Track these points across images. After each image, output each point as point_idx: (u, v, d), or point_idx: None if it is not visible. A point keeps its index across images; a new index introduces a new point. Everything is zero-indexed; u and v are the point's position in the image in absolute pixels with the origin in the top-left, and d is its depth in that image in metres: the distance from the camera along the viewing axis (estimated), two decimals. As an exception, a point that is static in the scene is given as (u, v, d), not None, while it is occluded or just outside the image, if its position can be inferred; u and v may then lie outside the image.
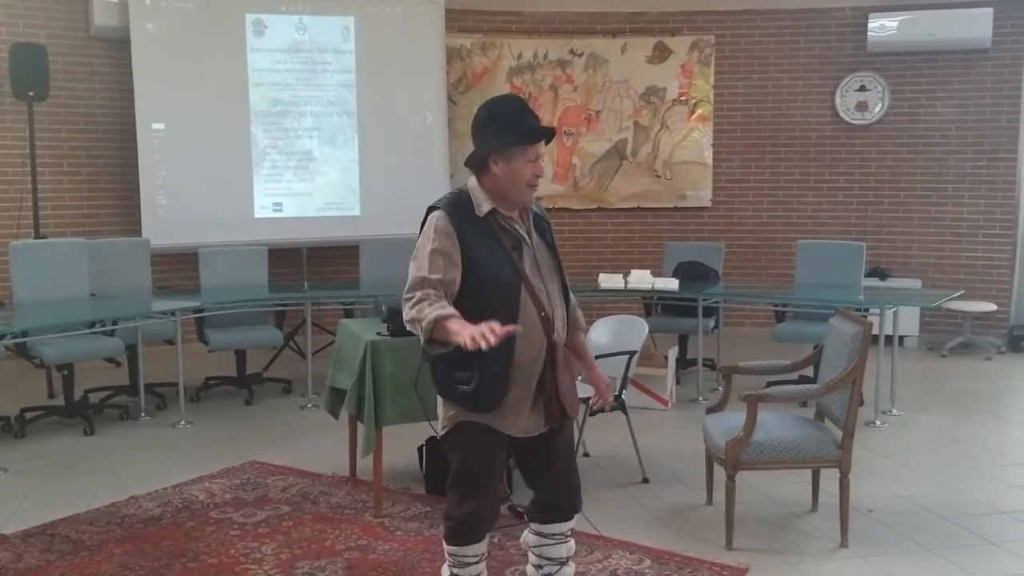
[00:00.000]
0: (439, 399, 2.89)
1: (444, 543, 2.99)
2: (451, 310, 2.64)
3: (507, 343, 2.65)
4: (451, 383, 2.77)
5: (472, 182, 2.86)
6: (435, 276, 2.70)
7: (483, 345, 2.47)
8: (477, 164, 2.82)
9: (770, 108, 8.79)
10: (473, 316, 2.65)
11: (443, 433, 2.90)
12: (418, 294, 2.69)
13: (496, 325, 2.50)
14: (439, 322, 2.61)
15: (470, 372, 2.73)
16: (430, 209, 2.83)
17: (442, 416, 2.89)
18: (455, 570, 2.97)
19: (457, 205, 2.80)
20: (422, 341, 2.69)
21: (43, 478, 4.83)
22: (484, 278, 2.74)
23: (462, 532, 2.92)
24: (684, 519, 4.26)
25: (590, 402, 3.20)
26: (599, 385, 3.13)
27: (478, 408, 2.76)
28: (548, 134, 2.85)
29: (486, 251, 2.76)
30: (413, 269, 2.75)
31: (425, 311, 2.64)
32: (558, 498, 3.01)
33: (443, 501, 4.28)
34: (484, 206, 2.80)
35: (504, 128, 2.77)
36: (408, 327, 2.73)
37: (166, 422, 5.88)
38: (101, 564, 3.71)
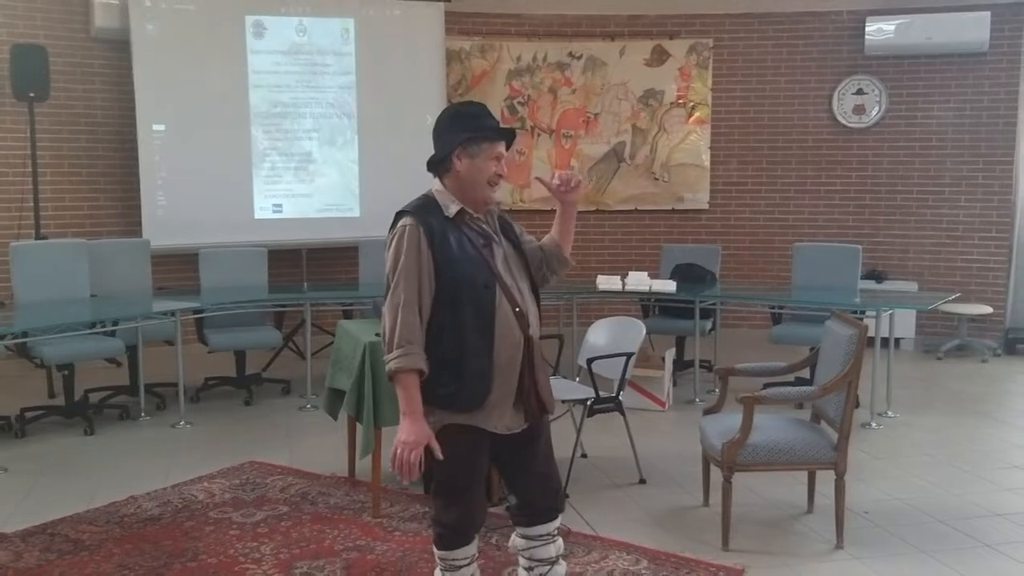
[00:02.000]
0: None
1: (434, 548, 3.00)
2: (418, 364, 2.70)
3: (486, 342, 2.73)
4: (432, 387, 2.77)
5: (436, 185, 2.90)
6: (412, 323, 2.71)
7: (398, 474, 2.70)
8: (440, 162, 2.86)
9: (767, 111, 8.82)
10: (451, 317, 2.73)
11: None
12: (404, 348, 2.71)
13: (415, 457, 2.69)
14: (401, 374, 2.70)
15: (451, 374, 2.75)
16: (399, 215, 2.87)
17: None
18: (447, 574, 2.98)
19: (426, 209, 2.84)
20: (386, 374, 2.76)
21: (43, 478, 4.85)
22: (460, 278, 2.76)
23: (451, 537, 2.93)
24: (681, 520, 4.28)
25: (556, 182, 3.02)
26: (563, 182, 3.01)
27: (463, 407, 2.77)
28: (509, 135, 2.91)
29: (459, 251, 2.79)
30: (393, 300, 2.75)
31: (402, 361, 2.69)
32: (540, 500, 3.02)
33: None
34: (452, 207, 2.84)
35: (468, 127, 2.83)
36: (384, 347, 2.77)
37: (166, 422, 5.90)
38: (100, 563, 3.73)
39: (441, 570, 3.00)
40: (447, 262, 2.76)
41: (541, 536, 3.05)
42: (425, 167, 2.94)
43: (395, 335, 2.71)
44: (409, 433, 2.69)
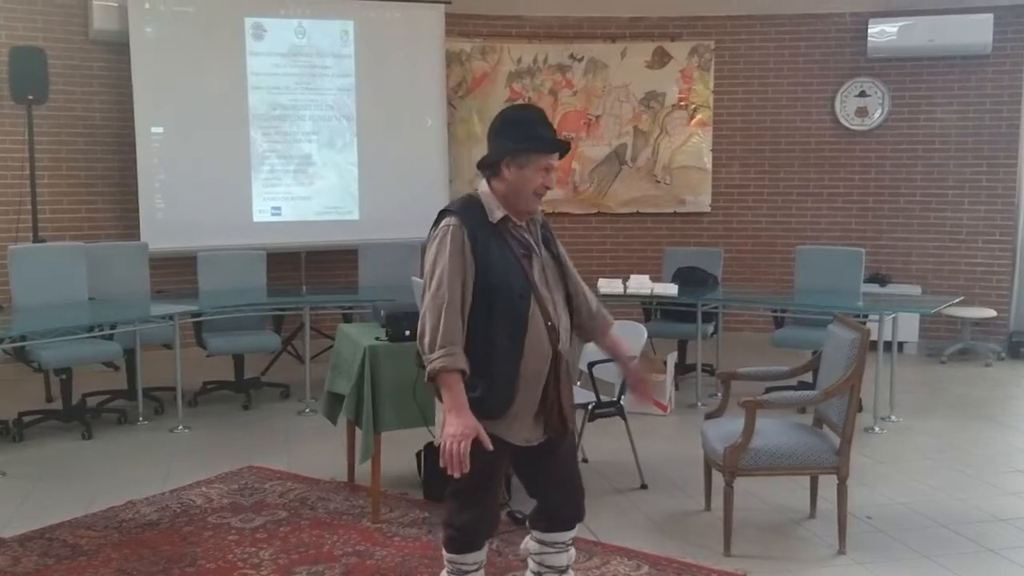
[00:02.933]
0: (439, 405, 2.86)
1: (443, 550, 2.98)
2: (461, 365, 2.69)
3: (515, 351, 2.72)
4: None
5: (483, 187, 2.87)
6: (455, 323, 2.70)
7: (450, 469, 2.67)
8: (489, 166, 2.84)
9: (770, 113, 8.80)
10: (483, 323, 2.71)
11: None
12: (446, 348, 2.69)
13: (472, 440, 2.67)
14: (444, 373, 2.68)
15: (478, 379, 2.73)
16: (443, 213, 2.84)
17: (442, 423, 2.87)
18: None
19: (470, 210, 2.81)
20: (427, 373, 2.73)
21: (41, 482, 4.82)
22: (496, 285, 2.74)
23: (461, 540, 2.92)
24: (682, 525, 4.25)
25: (625, 397, 3.15)
26: (636, 382, 3.13)
27: (485, 414, 2.75)
28: (562, 147, 2.87)
29: (499, 258, 2.77)
30: (436, 300, 2.71)
31: (446, 361, 2.68)
32: (562, 507, 3.01)
33: (441, 507, 4.30)
34: (497, 212, 2.82)
35: (520, 135, 2.79)
36: (424, 347, 2.74)
37: (164, 426, 5.87)
38: (99, 568, 3.70)
39: (448, 573, 2.99)
40: (486, 268, 2.74)
41: (556, 543, 3.05)
42: (462, 169, 2.94)
43: (438, 335, 2.69)
44: (456, 426, 2.67)
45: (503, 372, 2.74)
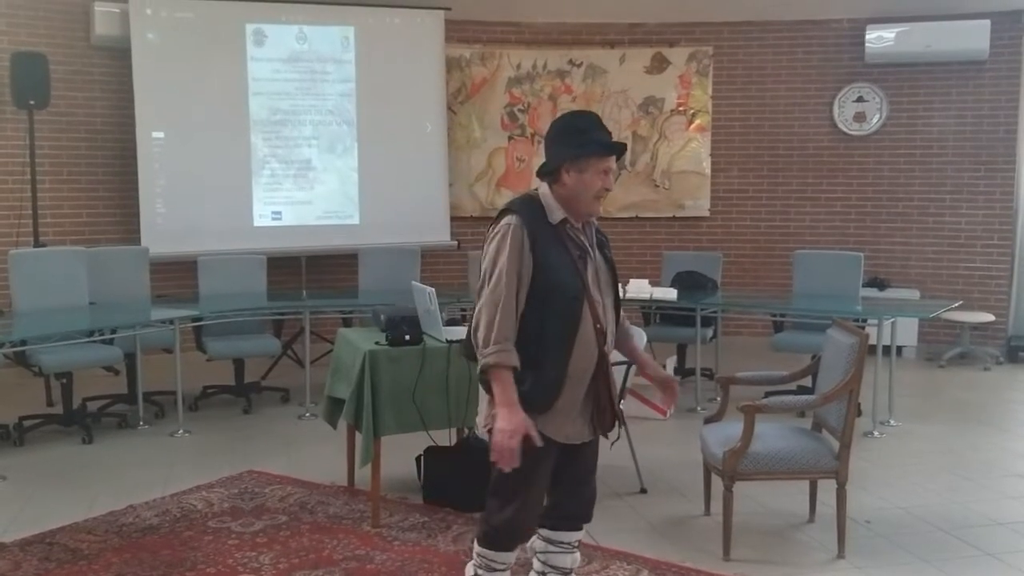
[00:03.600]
0: (485, 399, 2.88)
1: (475, 543, 3.01)
2: (514, 362, 2.74)
3: (564, 350, 2.78)
4: None
5: (543, 189, 2.91)
6: (509, 320, 2.75)
7: (500, 463, 2.72)
8: (549, 173, 2.89)
9: (768, 119, 8.82)
10: (536, 321, 2.77)
11: (487, 430, 2.88)
12: (501, 344, 2.74)
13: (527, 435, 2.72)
14: (496, 369, 2.73)
15: (526, 372, 2.77)
16: (504, 212, 2.88)
17: (487, 414, 2.88)
18: (480, 571, 3.00)
19: (531, 210, 2.86)
20: (479, 366, 2.79)
21: (41, 486, 4.83)
22: (552, 285, 2.79)
23: (497, 538, 2.94)
24: (682, 529, 4.26)
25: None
26: (666, 384, 3.15)
27: (531, 408, 2.78)
28: (620, 149, 2.92)
29: (556, 258, 2.82)
30: (493, 297, 2.76)
31: (499, 357, 2.73)
32: (572, 506, 3.04)
33: (441, 511, 4.34)
34: (557, 214, 2.86)
35: (579, 140, 2.85)
36: (478, 341, 2.79)
37: (164, 431, 5.87)
38: (99, 573, 3.71)
39: (475, 566, 3.01)
40: (543, 268, 2.79)
41: (563, 543, 3.07)
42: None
43: (492, 331, 2.74)
44: (508, 421, 2.71)
45: (550, 369, 2.79)
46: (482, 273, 2.84)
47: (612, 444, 3.14)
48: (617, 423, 3.01)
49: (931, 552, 3.96)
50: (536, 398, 2.79)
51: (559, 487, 3.02)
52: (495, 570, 2.98)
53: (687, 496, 4.60)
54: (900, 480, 4.94)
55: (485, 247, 2.86)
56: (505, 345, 2.74)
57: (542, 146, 3.03)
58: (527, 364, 2.77)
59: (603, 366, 2.89)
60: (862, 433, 5.67)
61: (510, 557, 2.99)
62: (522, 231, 2.79)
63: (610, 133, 2.95)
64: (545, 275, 2.79)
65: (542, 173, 2.92)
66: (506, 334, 2.74)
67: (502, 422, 2.72)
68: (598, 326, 2.86)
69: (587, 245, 2.92)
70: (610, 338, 2.93)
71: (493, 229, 2.87)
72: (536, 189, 2.94)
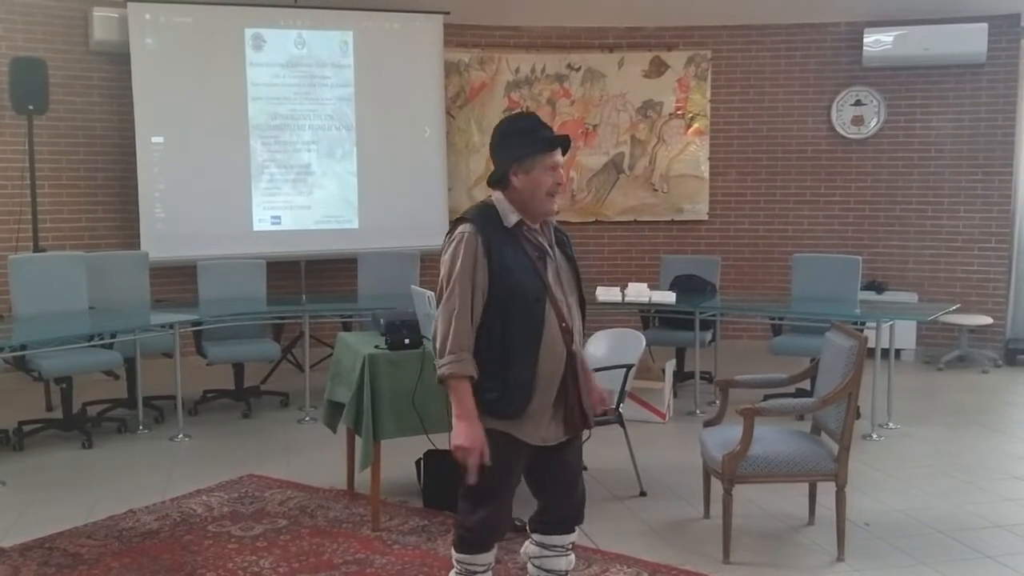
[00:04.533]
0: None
1: (453, 550, 3.01)
2: (470, 371, 2.76)
3: (531, 353, 2.79)
4: (477, 392, 2.80)
5: (497, 195, 2.92)
6: (464, 329, 2.76)
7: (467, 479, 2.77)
8: (498, 180, 2.90)
9: (766, 122, 8.83)
10: (499, 326, 2.77)
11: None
12: (456, 354, 2.76)
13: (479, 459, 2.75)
14: (453, 379, 2.76)
15: (495, 380, 2.78)
16: (458, 221, 2.89)
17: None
18: None
19: (485, 217, 2.87)
20: (437, 377, 2.82)
21: (41, 491, 4.83)
22: (512, 289, 2.80)
23: (472, 540, 2.94)
24: (681, 533, 4.26)
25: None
26: (593, 396, 3.14)
27: (503, 414, 2.80)
28: (564, 142, 2.92)
29: (514, 261, 2.82)
30: (448, 307, 2.78)
31: (454, 367, 2.76)
32: (562, 509, 3.04)
33: (441, 515, 4.33)
34: (511, 217, 2.87)
35: (521, 141, 2.86)
36: (436, 352, 2.82)
37: (164, 435, 5.88)
38: (99, 578, 3.72)
39: (457, 573, 3.01)
40: (501, 272, 2.80)
41: (555, 547, 3.07)
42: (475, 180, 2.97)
43: (448, 341, 2.76)
44: (465, 437, 2.74)
45: (519, 373, 2.79)
46: (439, 283, 2.86)
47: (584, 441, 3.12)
48: (587, 423, 2.98)
49: (930, 554, 3.96)
50: (508, 405, 2.80)
51: (546, 491, 3.03)
52: (476, 573, 2.98)
53: (687, 499, 4.61)
54: (899, 483, 4.94)
55: (441, 257, 2.87)
56: (460, 355, 2.75)
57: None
58: (496, 370, 2.78)
59: (572, 365, 2.89)
60: (861, 436, 5.68)
61: (489, 557, 2.99)
62: (476, 238, 2.80)
63: (551, 129, 2.95)
64: (504, 279, 2.79)
65: (492, 182, 2.92)
66: (461, 344, 2.75)
67: (459, 438, 2.74)
68: (563, 325, 2.86)
69: (546, 245, 2.92)
70: (577, 336, 2.93)
71: (448, 239, 2.87)
72: (490, 197, 2.94)
